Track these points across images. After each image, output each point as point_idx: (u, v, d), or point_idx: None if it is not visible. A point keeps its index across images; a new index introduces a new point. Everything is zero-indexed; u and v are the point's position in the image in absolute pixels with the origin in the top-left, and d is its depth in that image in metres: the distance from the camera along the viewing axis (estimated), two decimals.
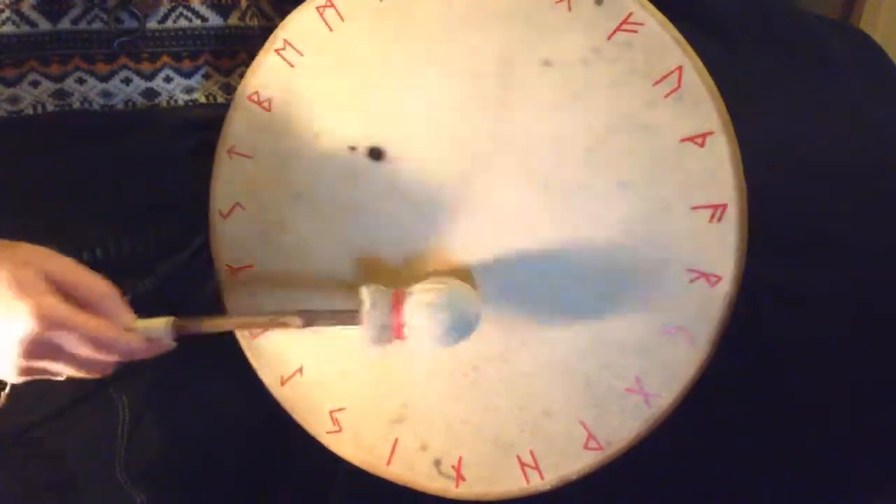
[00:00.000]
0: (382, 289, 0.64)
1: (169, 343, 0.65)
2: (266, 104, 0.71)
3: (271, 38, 0.71)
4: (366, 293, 0.63)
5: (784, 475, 0.76)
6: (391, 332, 0.63)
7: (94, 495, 0.76)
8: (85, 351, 0.60)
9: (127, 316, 0.63)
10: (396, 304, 0.63)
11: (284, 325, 0.66)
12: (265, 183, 0.72)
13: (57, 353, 0.60)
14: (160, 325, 0.64)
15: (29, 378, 0.63)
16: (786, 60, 0.81)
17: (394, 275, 0.69)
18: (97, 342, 0.60)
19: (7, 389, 0.68)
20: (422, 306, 0.62)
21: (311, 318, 0.65)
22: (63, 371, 0.62)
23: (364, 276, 0.70)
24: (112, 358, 0.62)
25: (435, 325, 0.62)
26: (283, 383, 0.75)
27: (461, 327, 0.63)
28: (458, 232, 0.67)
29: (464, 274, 0.67)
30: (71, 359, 0.61)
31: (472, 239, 0.66)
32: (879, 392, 0.76)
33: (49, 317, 0.57)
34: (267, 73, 0.71)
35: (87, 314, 0.60)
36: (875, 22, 1.54)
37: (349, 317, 0.65)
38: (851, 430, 0.76)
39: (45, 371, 0.62)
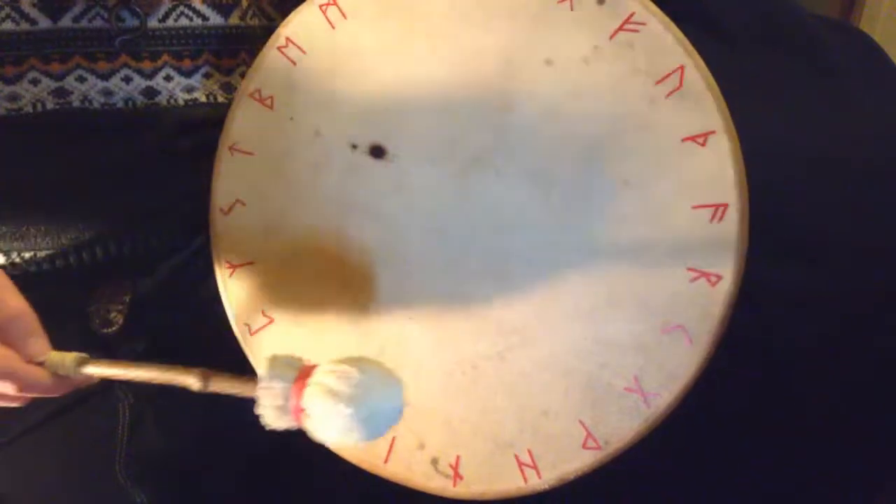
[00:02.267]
0: (293, 361, 0.55)
1: (78, 381, 0.61)
2: (268, 101, 0.72)
3: (274, 35, 0.71)
4: (267, 366, 0.55)
5: (784, 475, 0.76)
6: (289, 415, 0.54)
7: (94, 495, 0.75)
8: None
9: (38, 345, 0.59)
10: (299, 383, 0.53)
11: (181, 383, 0.59)
12: (266, 180, 0.73)
13: None
14: (66, 361, 0.59)
15: None
16: (786, 60, 0.81)
17: (394, 275, 0.69)
18: None
19: None
20: (321, 392, 0.52)
21: (207, 382, 0.58)
22: None
23: (363, 276, 0.70)
24: (11, 391, 0.58)
25: (336, 417, 0.52)
26: None
27: (372, 424, 0.53)
28: (458, 231, 0.67)
29: (464, 278, 0.66)
30: None
31: (472, 238, 0.67)
32: (879, 392, 0.76)
33: None
34: (269, 71, 0.71)
35: None
36: (875, 22, 1.55)
37: (247, 386, 0.56)
38: (852, 430, 0.76)
39: None
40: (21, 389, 0.58)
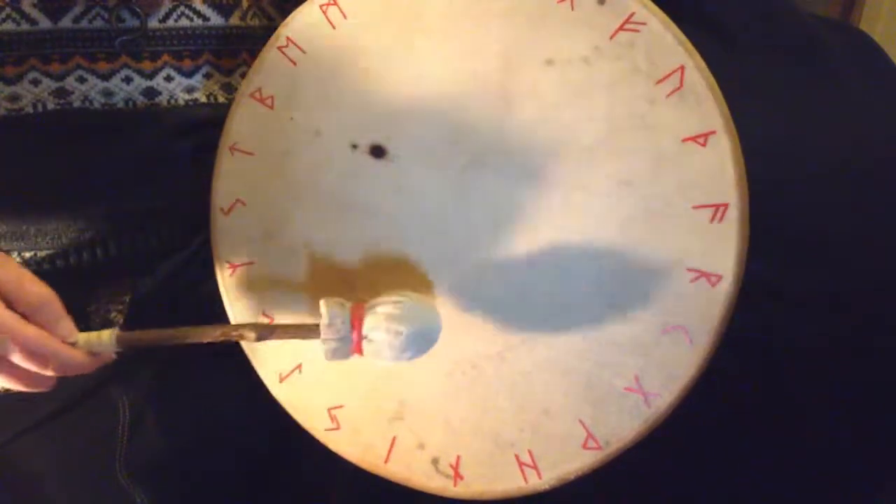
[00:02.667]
0: (342, 302, 0.64)
1: (111, 356, 0.64)
2: (269, 101, 0.72)
3: (274, 35, 0.71)
4: (324, 307, 0.63)
5: (784, 475, 0.76)
6: (350, 346, 0.63)
7: (94, 495, 0.76)
8: (22, 361, 0.59)
9: (67, 326, 0.61)
10: (356, 317, 0.63)
11: (238, 338, 0.65)
12: (266, 180, 0.73)
13: None
14: (103, 338, 0.63)
15: None
16: (786, 60, 0.81)
17: (394, 274, 0.69)
18: (34, 353, 0.58)
19: None
20: (381, 320, 0.62)
21: (265, 332, 0.64)
22: None
23: (363, 275, 0.71)
24: (50, 371, 0.61)
25: (394, 339, 0.62)
26: (281, 381, 0.75)
27: (421, 342, 0.63)
28: (458, 230, 0.67)
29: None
30: (8, 370, 0.59)
31: (473, 237, 0.67)
32: (879, 392, 0.76)
33: None
34: (269, 71, 0.71)
35: (26, 323, 0.58)
36: (875, 22, 1.55)
37: (308, 330, 0.64)
38: (851, 430, 0.76)
39: None
40: (58, 369, 0.61)
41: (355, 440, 0.73)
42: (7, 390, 0.64)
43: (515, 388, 0.67)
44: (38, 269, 0.74)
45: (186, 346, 0.65)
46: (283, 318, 0.74)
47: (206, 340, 0.65)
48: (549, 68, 0.62)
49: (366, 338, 0.62)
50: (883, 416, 0.76)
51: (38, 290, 0.60)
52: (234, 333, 0.64)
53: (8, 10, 0.68)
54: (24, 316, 0.59)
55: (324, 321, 0.62)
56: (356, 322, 0.62)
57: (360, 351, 0.63)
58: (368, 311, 0.63)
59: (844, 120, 0.78)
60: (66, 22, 0.71)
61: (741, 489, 0.78)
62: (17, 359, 0.59)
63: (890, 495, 0.78)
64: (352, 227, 0.70)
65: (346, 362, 0.71)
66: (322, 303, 0.63)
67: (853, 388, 0.76)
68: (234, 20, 0.79)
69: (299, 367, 0.74)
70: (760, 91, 0.75)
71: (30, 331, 0.58)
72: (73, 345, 0.61)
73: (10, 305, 0.58)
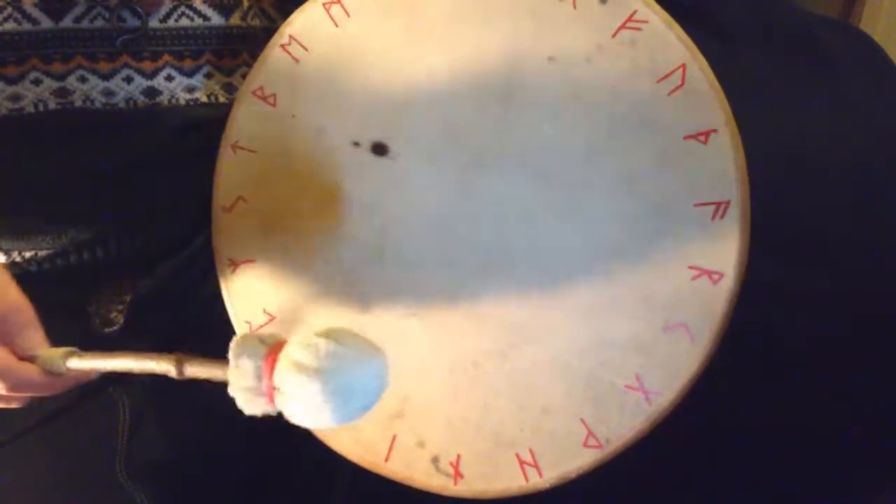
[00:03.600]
0: (262, 339, 0.52)
1: (69, 377, 0.60)
2: (271, 99, 0.72)
3: (277, 33, 0.71)
4: (234, 346, 0.51)
5: (784, 474, 0.76)
6: (262, 396, 0.50)
7: (94, 495, 0.75)
8: None
9: (34, 338, 0.59)
10: (269, 361, 0.50)
11: (158, 370, 0.56)
12: (268, 178, 0.73)
13: None
14: (55, 356, 0.59)
15: None
16: (786, 60, 0.81)
17: (395, 273, 0.69)
18: None
19: None
20: (291, 368, 0.48)
21: (181, 366, 0.55)
22: None
23: (364, 274, 0.71)
24: (3, 390, 0.58)
25: (304, 393, 0.48)
26: None
27: (345, 401, 0.48)
28: (459, 228, 0.67)
29: (466, 276, 0.66)
30: None
31: (473, 235, 0.67)
32: (879, 392, 0.76)
33: None
34: (272, 69, 0.72)
35: None
36: (875, 22, 1.55)
37: (218, 369, 0.53)
38: (851, 430, 0.76)
39: None
40: (12, 389, 0.58)
41: (356, 438, 0.73)
42: None
43: (516, 386, 0.67)
44: (39, 268, 0.74)
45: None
46: (283, 316, 0.75)
47: (130, 370, 0.57)
48: (551, 66, 0.62)
49: (277, 389, 0.49)
50: (883, 416, 0.76)
51: (11, 297, 0.58)
52: (154, 367, 0.56)
53: (9, 9, 0.68)
54: None
55: (231, 364, 0.51)
56: (268, 367, 0.49)
57: (272, 403, 0.50)
58: (281, 353, 0.49)
59: (844, 119, 0.79)
60: (67, 22, 0.71)
61: (741, 488, 0.78)
62: None
63: (890, 495, 0.78)
64: (353, 225, 0.70)
65: None
66: (234, 340, 0.52)
67: (853, 387, 0.76)
68: (235, 20, 0.79)
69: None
70: (762, 89, 0.76)
71: None
72: (33, 360, 0.58)
73: None
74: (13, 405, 0.62)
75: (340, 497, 0.84)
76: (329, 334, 0.49)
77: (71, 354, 0.59)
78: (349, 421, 0.49)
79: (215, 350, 0.71)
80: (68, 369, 0.59)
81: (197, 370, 0.55)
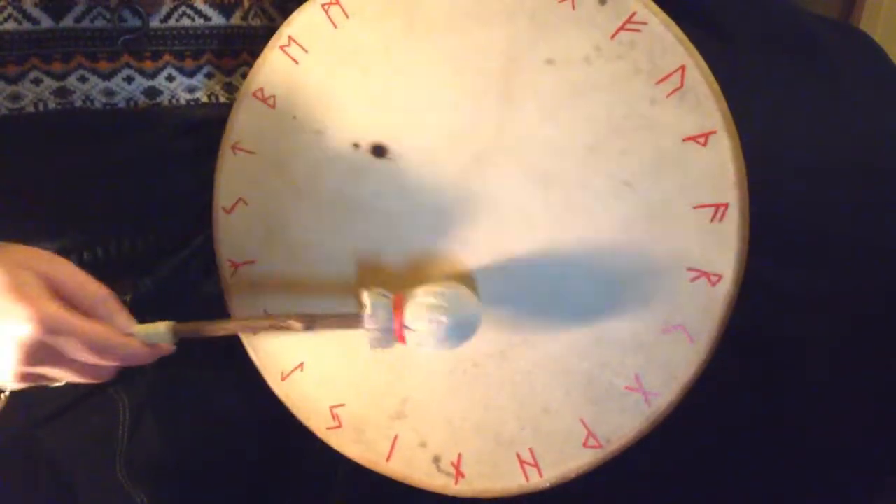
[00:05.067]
0: (384, 292, 0.64)
1: (169, 347, 0.64)
2: (270, 101, 0.72)
3: (276, 34, 0.71)
4: (367, 297, 0.63)
5: (784, 474, 0.76)
6: (393, 335, 0.64)
7: (94, 495, 0.76)
8: (85, 356, 0.59)
9: (125, 320, 0.62)
10: (398, 307, 0.63)
11: (286, 328, 0.65)
12: (269, 179, 0.73)
13: (56, 358, 0.59)
14: (160, 330, 0.63)
15: (28, 384, 0.61)
16: (786, 60, 0.81)
17: (395, 273, 0.69)
18: (98, 348, 0.59)
19: (5, 394, 0.67)
20: (422, 310, 0.63)
21: (312, 322, 0.65)
22: (62, 377, 0.61)
23: (365, 274, 0.71)
24: (112, 363, 0.62)
25: (436, 328, 0.62)
26: (283, 379, 0.75)
27: (462, 330, 0.64)
28: (459, 229, 0.67)
29: (465, 276, 0.67)
30: (70, 364, 0.60)
31: (474, 236, 0.67)
32: (879, 392, 0.76)
33: (49, 322, 0.56)
34: (271, 70, 0.71)
35: (87, 319, 0.59)
36: (875, 22, 1.54)
37: (351, 320, 0.65)
38: (851, 430, 0.76)
39: (43, 377, 0.61)
40: (119, 361, 0.61)
41: (357, 438, 0.73)
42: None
43: (516, 386, 0.67)
44: None
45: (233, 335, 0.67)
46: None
47: (257, 332, 0.70)
48: (549, 68, 0.62)
49: (407, 328, 0.63)
50: (882, 416, 0.77)
51: (95, 289, 0.61)
52: (283, 325, 0.65)
53: (10, 9, 0.68)
54: (85, 313, 0.60)
55: (367, 312, 0.63)
56: (398, 312, 0.63)
57: (402, 340, 0.64)
58: (409, 301, 0.63)
59: (844, 119, 0.79)
60: (67, 21, 0.71)
61: (741, 489, 0.78)
62: (83, 356, 0.59)
63: (890, 495, 0.78)
64: (353, 226, 0.71)
65: (347, 361, 0.72)
66: (365, 294, 0.64)
67: (853, 387, 0.76)
68: (236, 20, 0.79)
69: (301, 365, 0.74)
70: (761, 91, 0.76)
71: (94, 328, 0.59)
72: (131, 336, 0.62)
73: (71, 304, 0.59)
74: (105, 379, 0.64)
75: (341, 496, 0.84)
76: (441, 285, 0.64)
77: (174, 327, 0.64)
78: (460, 345, 0.64)
79: (216, 350, 0.72)
80: (175, 340, 0.64)
81: (329, 325, 0.67)
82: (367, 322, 0.63)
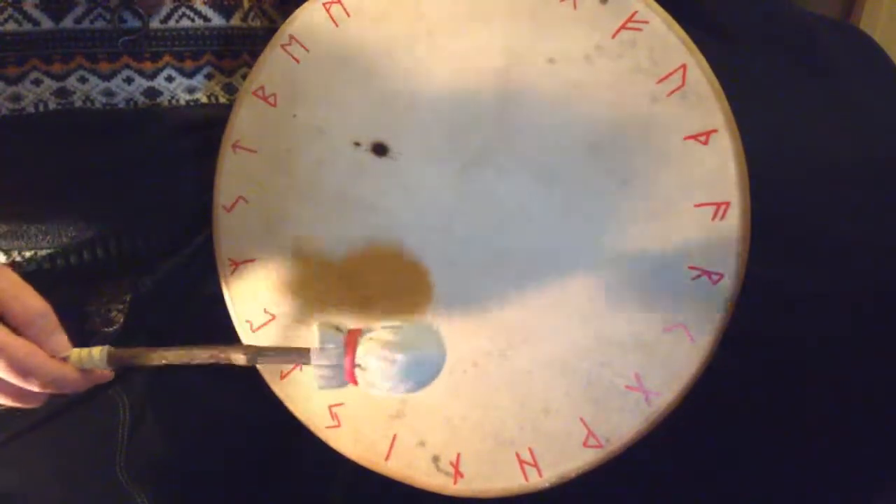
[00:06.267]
0: (338, 326, 0.62)
1: (107, 374, 0.62)
2: (271, 99, 0.72)
3: (278, 33, 0.71)
4: (317, 330, 0.61)
5: (784, 474, 0.76)
6: (343, 373, 0.61)
7: (94, 495, 0.75)
8: (8, 376, 0.57)
9: (60, 342, 0.60)
10: (350, 343, 0.61)
11: (226, 360, 0.62)
12: (269, 177, 0.73)
13: None
14: (95, 356, 0.61)
15: None
16: (786, 60, 0.81)
17: (395, 272, 0.69)
18: (20, 369, 0.57)
19: None
20: (376, 346, 0.60)
21: (255, 355, 0.62)
22: None
23: (365, 274, 0.71)
24: (36, 387, 0.59)
25: (388, 367, 0.59)
26: (283, 378, 0.75)
27: (420, 370, 0.61)
28: (458, 230, 0.67)
29: (465, 275, 0.67)
30: None
31: (474, 234, 0.67)
32: (879, 392, 0.76)
33: None
34: (272, 69, 0.72)
35: (15, 336, 0.57)
36: (875, 22, 1.55)
37: (297, 356, 0.62)
38: (852, 430, 0.76)
39: None
40: (45, 386, 0.59)
41: (356, 437, 0.73)
42: None
43: (516, 386, 0.67)
44: (38, 268, 0.74)
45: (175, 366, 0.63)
46: (283, 315, 0.75)
47: (195, 362, 0.63)
48: (551, 67, 0.62)
49: (359, 366, 0.60)
50: (882, 416, 0.76)
51: (31, 303, 0.59)
52: (223, 356, 0.62)
53: (10, 10, 0.68)
54: (15, 329, 0.58)
55: (315, 346, 0.60)
56: (349, 349, 0.60)
57: (352, 379, 0.61)
58: (364, 337, 0.60)
59: (845, 119, 0.79)
60: (67, 22, 0.71)
61: (742, 488, 0.78)
62: (4, 375, 0.57)
63: (890, 495, 0.78)
64: (354, 225, 0.71)
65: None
66: (315, 327, 0.61)
67: (853, 387, 0.76)
68: (236, 21, 0.80)
69: (300, 365, 0.74)
70: (762, 90, 0.76)
71: (17, 344, 0.57)
72: (65, 360, 0.60)
73: (2, 317, 0.57)
74: (32, 404, 0.62)
75: (340, 495, 0.84)
76: (402, 320, 0.64)
77: (110, 353, 0.61)
78: (419, 389, 0.61)
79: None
80: (110, 366, 0.61)
81: (272, 359, 0.65)
82: (315, 358, 0.60)
